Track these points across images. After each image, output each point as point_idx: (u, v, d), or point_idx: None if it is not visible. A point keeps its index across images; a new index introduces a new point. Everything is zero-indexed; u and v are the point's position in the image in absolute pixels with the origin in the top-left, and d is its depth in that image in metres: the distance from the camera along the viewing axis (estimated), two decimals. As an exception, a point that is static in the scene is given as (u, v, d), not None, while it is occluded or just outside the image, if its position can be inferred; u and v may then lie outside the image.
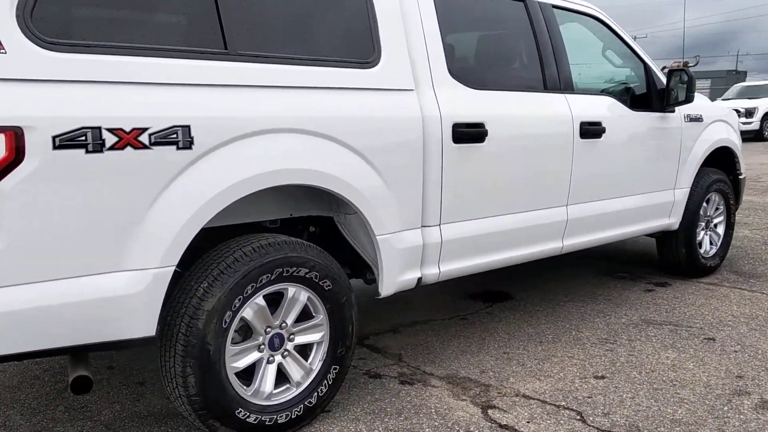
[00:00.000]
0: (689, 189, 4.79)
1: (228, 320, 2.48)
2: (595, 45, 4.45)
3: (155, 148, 2.25)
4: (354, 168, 2.79)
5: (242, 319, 2.57)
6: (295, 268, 2.64)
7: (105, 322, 2.26)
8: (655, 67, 4.52)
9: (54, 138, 2.06)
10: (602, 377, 3.31)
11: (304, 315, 2.79)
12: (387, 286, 3.03)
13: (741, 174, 5.44)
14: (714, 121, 4.98)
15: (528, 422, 2.86)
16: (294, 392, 2.75)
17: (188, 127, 2.31)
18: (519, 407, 3.00)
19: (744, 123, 19.30)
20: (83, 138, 2.11)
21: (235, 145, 2.44)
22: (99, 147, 2.14)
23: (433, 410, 2.97)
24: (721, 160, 5.27)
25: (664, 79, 4.46)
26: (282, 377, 2.75)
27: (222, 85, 2.45)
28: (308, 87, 2.68)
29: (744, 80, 34.99)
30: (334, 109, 2.72)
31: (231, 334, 2.53)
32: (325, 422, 2.86)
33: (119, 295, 2.26)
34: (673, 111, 4.52)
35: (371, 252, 3.01)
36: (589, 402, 3.05)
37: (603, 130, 3.92)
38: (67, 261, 2.17)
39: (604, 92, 4.22)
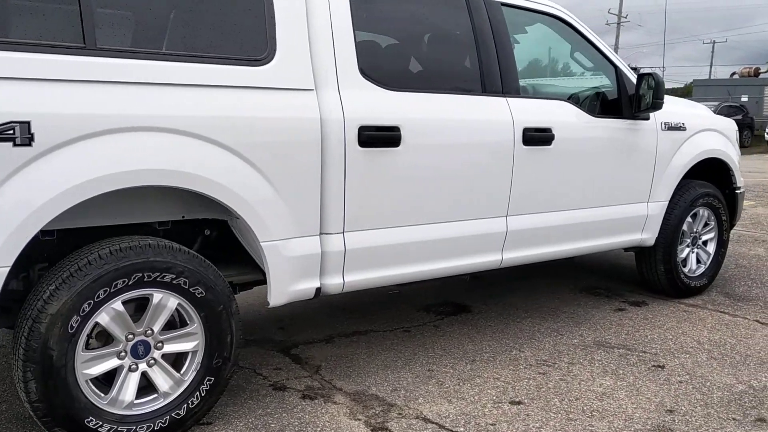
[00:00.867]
0: (667, 202, 4.44)
1: (75, 325, 2.38)
2: (561, 48, 4.18)
3: None
4: (232, 170, 2.65)
5: (97, 324, 2.47)
6: (159, 273, 2.52)
7: None
8: (629, 72, 4.21)
9: None
10: (519, 403, 3.07)
11: (182, 323, 2.68)
12: (276, 295, 2.88)
13: (738, 188, 5.04)
14: (701, 130, 4.61)
15: (411, 448, 2.66)
16: (161, 402, 2.63)
17: (28, 123, 2.22)
18: (412, 431, 2.80)
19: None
20: None
21: (84, 143, 2.33)
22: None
23: (319, 429, 2.81)
24: (714, 172, 4.90)
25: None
26: (152, 387, 2.64)
27: (75, 80, 2.34)
28: (180, 84, 2.55)
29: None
30: (208, 108, 2.59)
31: (82, 339, 2.42)
32: (199, 435, 2.74)
33: None
34: (647, 118, 4.20)
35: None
36: (491, 429, 2.82)
37: (552, 137, 3.65)
38: None
39: (565, 97, 3.94)
